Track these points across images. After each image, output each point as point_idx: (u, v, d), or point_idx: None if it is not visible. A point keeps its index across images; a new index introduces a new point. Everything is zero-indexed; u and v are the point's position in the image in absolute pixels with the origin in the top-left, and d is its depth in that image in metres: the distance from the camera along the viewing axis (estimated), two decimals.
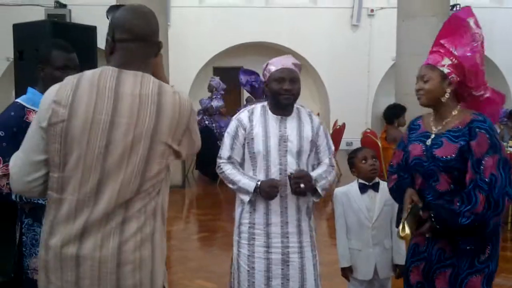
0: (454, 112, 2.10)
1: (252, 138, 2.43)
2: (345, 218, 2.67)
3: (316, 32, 11.47)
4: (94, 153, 1.45)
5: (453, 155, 2.02)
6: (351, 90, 11.56)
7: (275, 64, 2.42)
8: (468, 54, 2.05)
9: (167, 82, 1.65)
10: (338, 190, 2.71)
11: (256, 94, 5.83)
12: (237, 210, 2.53)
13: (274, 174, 2.39)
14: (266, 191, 2.33)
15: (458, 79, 2.07)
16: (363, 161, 2.62)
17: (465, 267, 2.04)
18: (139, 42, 1.55)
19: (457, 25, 2.11)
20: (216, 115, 8.21)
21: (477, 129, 1.99)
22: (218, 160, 2.53)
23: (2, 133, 2.13)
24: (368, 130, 7.39)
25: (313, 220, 2.56)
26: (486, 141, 1.97)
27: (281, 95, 2.39)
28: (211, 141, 7.16)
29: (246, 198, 2.41)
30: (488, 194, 1.94)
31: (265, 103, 2.52)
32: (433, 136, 2.13)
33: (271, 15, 11.53)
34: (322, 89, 12.16)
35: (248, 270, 2.43)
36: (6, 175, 2.04)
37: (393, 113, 6.20)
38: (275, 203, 2.40)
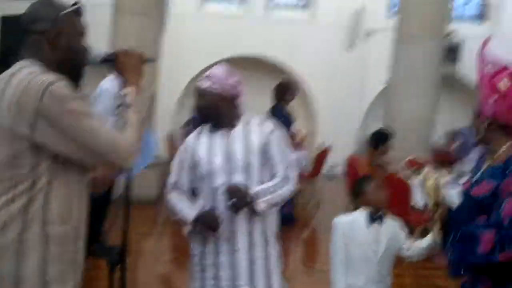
0: (503, 148, 1.96)
1: (197, 160, 2.28)
2: (346, 251, 2.49)
3: (311, 50, 11.37)
4: None
5: (483, 195, 1.89)
6: (342, 111, 11.43)
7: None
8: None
9: (135, 84, 1.58)
10: (340, 221, 2.55)
11: None
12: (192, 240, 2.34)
13: (221, 196, 2.19)
14: (205, 225, 2.16)
15: (492, 111, 1.94)
16: (378, 193, 2.52)
17: None
18: (27, 32, 1.50)
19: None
20: None
21: (511, 167, 1.84)
22: (167, 187, 2.39)
23: None
24: (354, 155, 7.24)
25: (276, 246, 2.29)
26: None
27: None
28: None
29: (187, 228, 2.26)
30: (498, 238, 1.76)
31: None
32: (479, 173, 2.01)
33: (268, 28, 11.41)
34: (312, 108, 12.01)
35: None
36: None
37: (378, 138, 6.08)
38: (223, 230, 2.19)
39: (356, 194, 2.58)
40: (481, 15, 12.06)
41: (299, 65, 11.50)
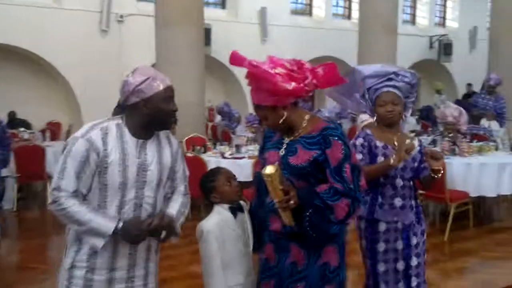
0: (304, 122, 2.10)
1: (106, 167, 1.98)
2: (222, 254, 2.26)
3: (63, 36, 10.64)
4: None
5: (307, 163, 2.02)
6: (104, 97, 11.14)
7: (161, 81, 2.03)
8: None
9: None
10: (208, 225, 2.27)
11: None
12: (71, 249, 2.06)
13: (128, 209, 2.02)
14: (132, 235, 1.97)
15: (285, 100, 2.02)
16: (228, 183, 2.34)
17: (317, 278, 2.07)
18: None
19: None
20: None
21: (330, 137, 2.01)
22: (56, 193, 1.95)
23: None
24: None
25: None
26: (341, 148, 2.00)
27: (171, 117, 2.09)
28: None
29: (100, 242, 1.97)
30: (351, 200, 1.98)
31: (120, 121, 2.06)
32: (286, 144, 2.11)
33: (8, 12, 10.19)
34: (72, 97, 11.37)
35: None
36: None
37: None
38: (124, 245, 2.04)
39: (208, 192, 2.36)
40: (223, 2, 13.26)
41: (50, 53, 10.68)
